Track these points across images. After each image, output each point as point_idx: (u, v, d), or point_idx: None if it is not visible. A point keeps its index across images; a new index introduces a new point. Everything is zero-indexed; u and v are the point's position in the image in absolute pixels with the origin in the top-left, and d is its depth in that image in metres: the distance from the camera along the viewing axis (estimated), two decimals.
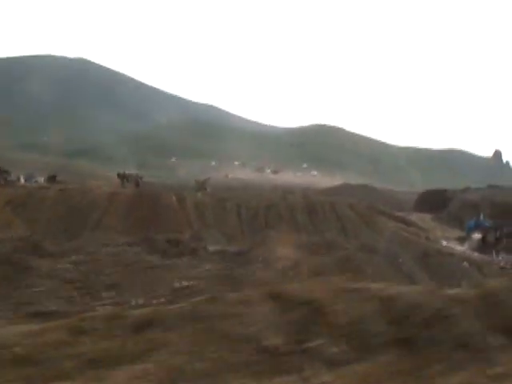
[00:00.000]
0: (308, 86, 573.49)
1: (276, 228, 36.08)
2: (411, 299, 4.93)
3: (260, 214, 37.05)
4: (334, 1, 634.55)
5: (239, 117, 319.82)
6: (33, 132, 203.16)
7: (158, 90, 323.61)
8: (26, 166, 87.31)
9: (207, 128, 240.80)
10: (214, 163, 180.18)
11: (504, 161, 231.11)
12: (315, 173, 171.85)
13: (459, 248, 43.44)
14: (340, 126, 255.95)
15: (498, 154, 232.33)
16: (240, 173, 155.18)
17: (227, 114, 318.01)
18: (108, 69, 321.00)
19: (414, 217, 53.32)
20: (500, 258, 41.68)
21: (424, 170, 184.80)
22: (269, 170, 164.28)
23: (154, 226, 34.37)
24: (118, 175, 44.89)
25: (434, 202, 58.15)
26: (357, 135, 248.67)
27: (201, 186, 43.88)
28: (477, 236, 45.10)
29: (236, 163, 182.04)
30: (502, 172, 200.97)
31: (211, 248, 24.21)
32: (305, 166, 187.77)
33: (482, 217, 47.79)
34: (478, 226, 46.48)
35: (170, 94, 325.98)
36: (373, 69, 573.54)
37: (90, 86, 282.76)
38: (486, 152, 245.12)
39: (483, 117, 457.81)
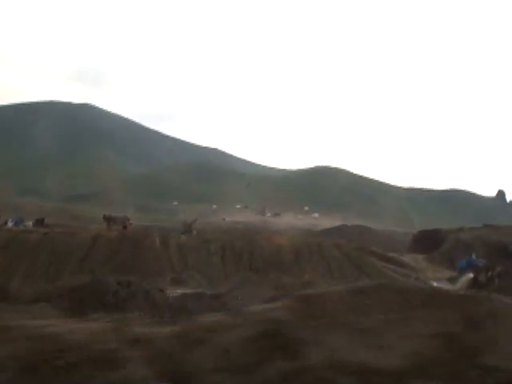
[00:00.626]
0: (311, 129, 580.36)
1: (260, 270, 35.78)
2: (74, 339, 4.44)
3: (244, 256, 36.68)
4: (335, 45, 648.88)
5: (243, 160, 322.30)
6: (36, 177, 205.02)
7: (161, 133, 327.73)
8: (25, 210, 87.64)
9: (210, 171, 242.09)
10: (215, 206, 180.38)
11: (508, 200, 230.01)
12: (316, 215, 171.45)
13: (449, 288, 42.67)
14: (342, 168, 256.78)
15: (501, 194, 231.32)
16: (240, 216, 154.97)
17: (231, 156, 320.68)
18: (113, 113, 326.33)
19: (407, 257, 52.69)
20: None
21: (426, 211, 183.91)
22: (269, 213, 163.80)
23: (136, 268, 34.13)
24: (104, 217, 44.74)
25: (428, 242, 57.52)
26: (359, 176, 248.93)
27: (187, 228, 43.64)
28: (468, 276, 44.24)
29: (237, 206, 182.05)
30: (506, 212, 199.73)
31: (171, 291, 23.81)
32: (306, 208, 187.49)
33: (473, 256, 47.16)
34: (469, 266, 45.70)
35: (174, 138, 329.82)
36: (376, 110, 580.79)
37: (94, 130, 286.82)
38: (490, 192, 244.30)
39: (487, 157, 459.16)
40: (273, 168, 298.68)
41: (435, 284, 44.61)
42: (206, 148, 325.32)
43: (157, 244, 36.58)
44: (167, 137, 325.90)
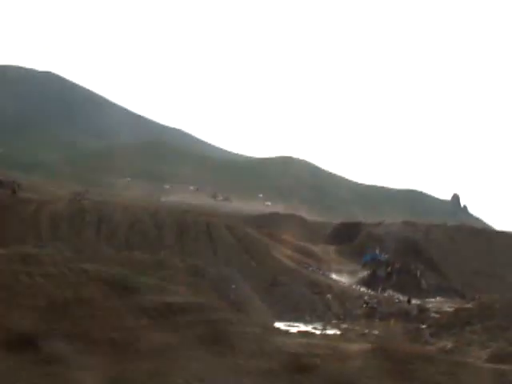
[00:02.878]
0: (280, 118, 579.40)
1: (136, 245, 33.71)
2: None
3: (122, 230, 34.52)
4: (301, 38, 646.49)
5: (205, 142, 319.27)
6: None
7: (125, 109, 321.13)
8: None
9: (170, 151, 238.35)
10: (167, 186, 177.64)
11: (462, 205, 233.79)
12: (269, 203, 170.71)
13: (346, 281, 41.56)
14: (305, 159, 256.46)
15: (456, 198, 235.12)
16: (192, 198, 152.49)
17: (194, 139, 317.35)
18: (76, 84, 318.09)
19: (318, 248, 51.46)
20: (385, 293, 40.03)
21: (377, 208, 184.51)
22: (221, 197, 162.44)
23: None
24: None
25: (346, 234, 56.53)
26: (319, 169, 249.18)
27: (77, 198, 41.18)
28: (368, 270, 43.54)
29: (191, 188, 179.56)
30: (459, 215, 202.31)
31: None
32: (261, 195, 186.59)
33: (377, 251, 46.26)
34: (373, 260, 44.92)
35: (138, 115, 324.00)
36: (346, 107, 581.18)
37: (55, 100, 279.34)
38: (447, 195, 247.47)
39: (446, 161, 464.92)
40: (236, 154, 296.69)
41: (334, 276, 43.54)
42: (168, 128, 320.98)
43: (29, 211, 34.09)
44: (130, 113, 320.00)
